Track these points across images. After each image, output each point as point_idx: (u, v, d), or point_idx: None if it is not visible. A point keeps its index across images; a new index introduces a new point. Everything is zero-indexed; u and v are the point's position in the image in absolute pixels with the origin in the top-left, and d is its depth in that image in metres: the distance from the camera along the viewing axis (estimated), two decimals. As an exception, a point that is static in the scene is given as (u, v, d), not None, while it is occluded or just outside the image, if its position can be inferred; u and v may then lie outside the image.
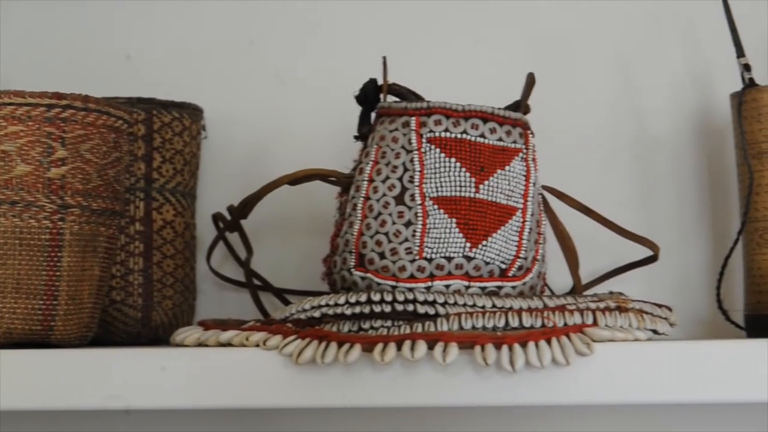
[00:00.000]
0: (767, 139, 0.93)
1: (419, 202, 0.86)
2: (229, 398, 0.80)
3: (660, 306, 0.88)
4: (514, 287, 0.87)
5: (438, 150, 0.87)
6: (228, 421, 1.03)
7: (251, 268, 1.01)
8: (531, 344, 0.79)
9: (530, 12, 1.08)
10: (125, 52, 1.09)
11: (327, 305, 0.84)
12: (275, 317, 0.87)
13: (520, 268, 0.87)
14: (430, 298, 0.83)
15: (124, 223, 0.98)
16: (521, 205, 0.88)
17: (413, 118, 0.88)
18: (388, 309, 0.83)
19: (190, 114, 1.02)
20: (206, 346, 0.83)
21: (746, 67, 0.96)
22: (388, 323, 0.83)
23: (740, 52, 0.96)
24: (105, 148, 0.86)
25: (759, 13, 1.05)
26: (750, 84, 0.95)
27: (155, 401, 0.80)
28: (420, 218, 0.86)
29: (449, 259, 0.85)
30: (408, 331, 0.82)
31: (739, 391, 0.80)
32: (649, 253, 0.96)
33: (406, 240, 0.85)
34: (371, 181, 0.88)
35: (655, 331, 0.85)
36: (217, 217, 1.01)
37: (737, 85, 0.96)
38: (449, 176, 0.86)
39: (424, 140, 0.87)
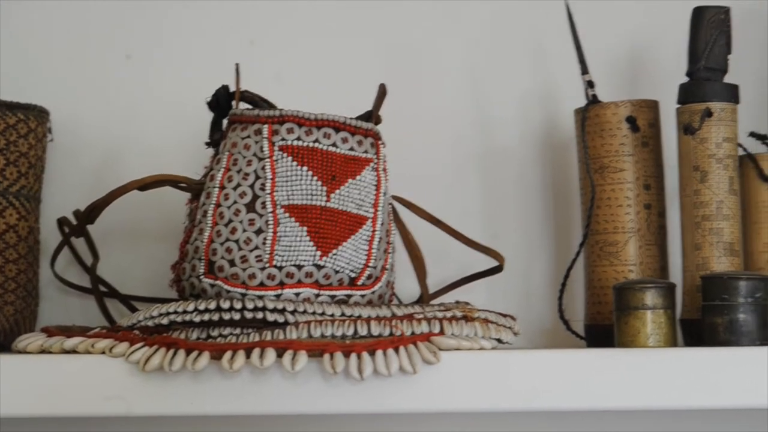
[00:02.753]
0: (609, 154, 0.96)
1: (270, 209, 0.86)
2: (74, 406, 0.79)
3: (504, 315, 0.89)
4: (363, 296, 0.88)
5: (290, 158, 0.87)
6: (74, 429, 1.01)
7: (97, 275, 0.99)
8: (379, 352, 0.80)
9: (382, 23, 1.09)
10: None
11: (175, 312, 0.84)
12: (122, 324, 0.86)
13: (369, 277, 0.88)
14: (280, 306, 0.83)
15: (-35, 227, 0.96)
16: (371, 215, 0.88)
17: (265, 125, 0.88)
18: (237, 317, 0.83)
19: (36, 116, 1.00)
20: (50, 353, 0.82)
21: (590, 84, 0.98)
22: (237, 331, 0.83)
23: (584, 69, 0.99)
24: (-53, 149, 0.84)
25: (604, 30, 1.08)
26: (593, 100, 0.98)
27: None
28: (271, 226, 0.86)
29: (299, 267, 0.86)
30: (257, 338, 0.82)
31: (580, 399, 0.82)
32: (494, 263, 0.98)
33: (257, 248, 0.85)
34: (222, 188, 0.88)
35: (499, 340, 0.87)
36: (62, 222, 0.99)
37: (582, 100, 0.99)
38: (300, 184, 0.86)
39: (276, 148, 0.87)
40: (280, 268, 0.85)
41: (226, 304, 0.83)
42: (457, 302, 0.92)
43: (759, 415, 1.02)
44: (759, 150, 0.98)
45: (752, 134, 0.99)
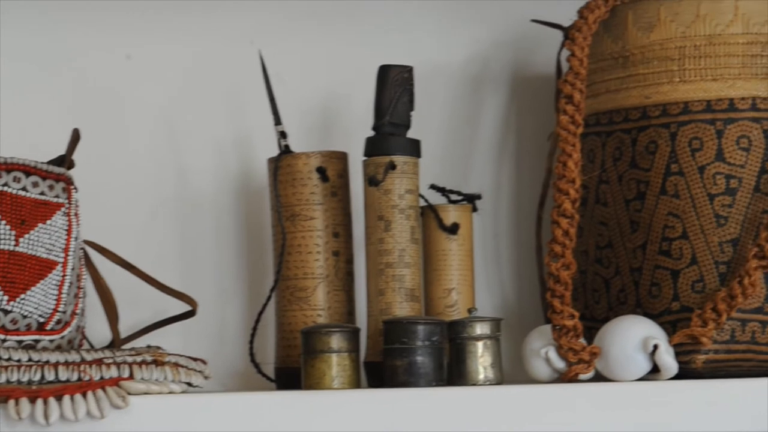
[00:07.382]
0: (300, 202, 1.00)
1: (-44, 253, 0.85)
2: None
3: (195, 359, 0.91)
4: (52, 341, 0.87)
5: (-22, 202, 0.86)
6: None
7: None
8: (66, 398, 0.80)
9: (79, 66, 1.09)
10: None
11: None
12: None
13: (58, 321, 0.88)
14: (-36, 351, 0.82)
15: None
16: (62, 260, 0.88)
17: (-47, 168, 0.86)
18: None
19: None
20: None
21: (282, 135, 1.02)
22: None
23: (277, 120, 1.02)
24: None
25: (298, 82, 1.12)
26: (286, 150, 1.01)
27: None
28: (-44, 270, 0.84)
29: (-15, 312, 0.85)
30: (-61, 385, 0.80)
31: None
32: (187, 308, 1.00)
33: (-59, 292, 0.84)
34: None
35: (189, 384, 0.88)
36: None
37: (277, 149, 1.02)
38: (-12, 228, 0.85)
39: (-37, 191, 0.86)
40: (-36, 313, 0.84)
41: None
42: (149, 347, 0.93)
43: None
44: (439, 201, 1.04)
45: (433, 186, 1.05)
